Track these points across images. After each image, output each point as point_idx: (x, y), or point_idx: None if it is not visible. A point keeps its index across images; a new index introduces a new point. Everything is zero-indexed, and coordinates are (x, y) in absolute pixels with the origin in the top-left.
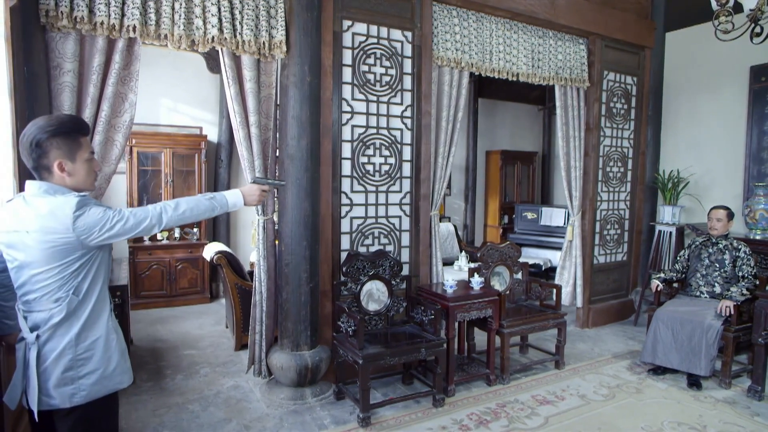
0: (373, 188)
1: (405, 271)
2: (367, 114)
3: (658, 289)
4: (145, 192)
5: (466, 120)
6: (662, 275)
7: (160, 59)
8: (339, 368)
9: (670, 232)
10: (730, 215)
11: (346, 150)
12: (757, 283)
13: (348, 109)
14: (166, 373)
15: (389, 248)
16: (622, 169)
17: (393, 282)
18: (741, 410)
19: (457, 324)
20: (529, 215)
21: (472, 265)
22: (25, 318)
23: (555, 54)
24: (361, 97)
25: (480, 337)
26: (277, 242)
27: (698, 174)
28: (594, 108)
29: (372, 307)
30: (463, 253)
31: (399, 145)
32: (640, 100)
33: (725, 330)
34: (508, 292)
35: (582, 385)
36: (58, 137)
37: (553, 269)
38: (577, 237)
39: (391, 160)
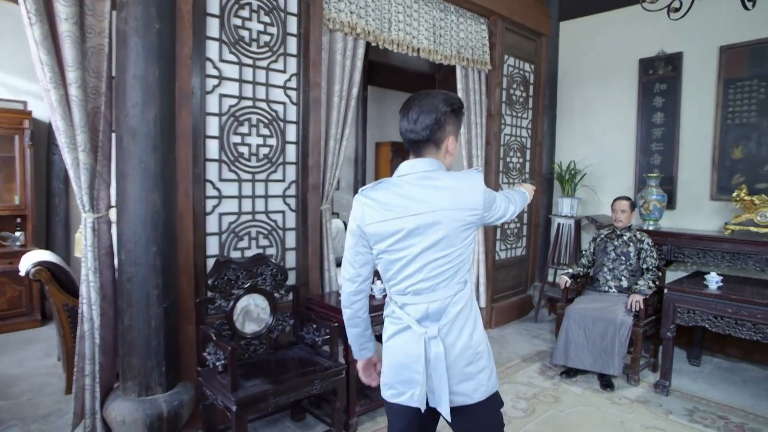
0: (249, 176)
1: (291, 279)
2: (241, 81)
3: (567, 285)
4: None
5: (355, 108)
6: (570, 270)
7: None
8: (208, 411)
9: (570, 225)
10: (633, 206)
11: (213, 126)
12: (660, 274)
13: (215, 72)
14: None
15: (271, 251)
16: (521, 160)
17: (276, 294)
18: (655, 409)
19: None
20: None
21: None
22: (401, 308)
23: (457, 31)
24: (233, 58)
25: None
26: (116, 249)
27: (593, 165)
28: (495, 93)
29: (250, 328)
30: None
31: (282, 123)
32: (538, 89)
33: (635, 325)
34: None
35: None
36: (454, 114)
37: None
38: (480, 232)
39: (272, 141)
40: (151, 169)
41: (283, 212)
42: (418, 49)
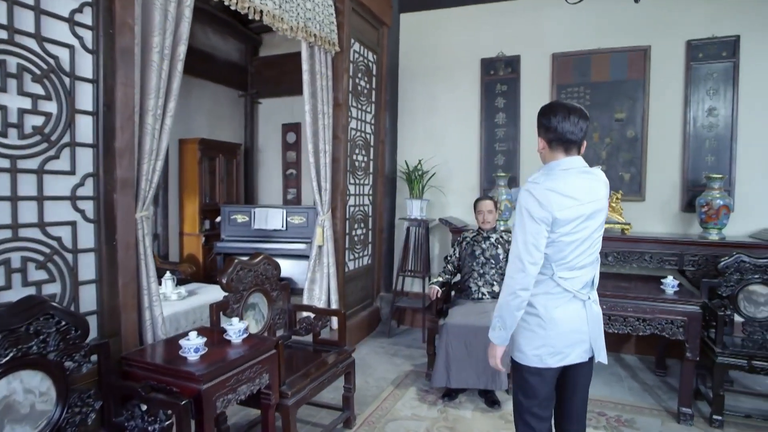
0: (6, 163)
1: (92, 332)
2: None
3: (439, 295)
4: None
5: (182, 74)
6: (440, 279)
7: None
8: None
9: (420, 229)
10: (496, 205)
11: None
12: None
13: None
14: None
15: (51, 290)
16: (366, 158)
17: (69, 363)
18: None
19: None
20: (240, 218)
21: (182, 289)
22: (565, 280)
23: (304, 1)
24: None
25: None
26: None
27: (438, 165)
28: (343, 80)
29: None
30: (168, 274)
31: (68, 79)
32: (380, 82)
33: None
34: (266, 332)
35: None
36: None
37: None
38: (328, 240)
39: (50, 107)
40: None
41: (72, 224)
42: (261, 12)
